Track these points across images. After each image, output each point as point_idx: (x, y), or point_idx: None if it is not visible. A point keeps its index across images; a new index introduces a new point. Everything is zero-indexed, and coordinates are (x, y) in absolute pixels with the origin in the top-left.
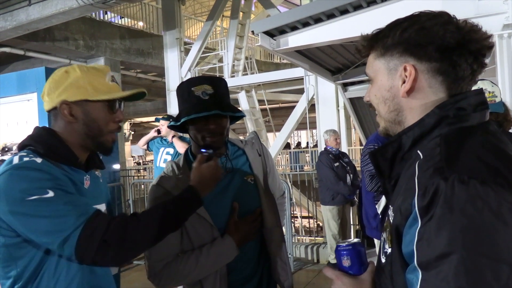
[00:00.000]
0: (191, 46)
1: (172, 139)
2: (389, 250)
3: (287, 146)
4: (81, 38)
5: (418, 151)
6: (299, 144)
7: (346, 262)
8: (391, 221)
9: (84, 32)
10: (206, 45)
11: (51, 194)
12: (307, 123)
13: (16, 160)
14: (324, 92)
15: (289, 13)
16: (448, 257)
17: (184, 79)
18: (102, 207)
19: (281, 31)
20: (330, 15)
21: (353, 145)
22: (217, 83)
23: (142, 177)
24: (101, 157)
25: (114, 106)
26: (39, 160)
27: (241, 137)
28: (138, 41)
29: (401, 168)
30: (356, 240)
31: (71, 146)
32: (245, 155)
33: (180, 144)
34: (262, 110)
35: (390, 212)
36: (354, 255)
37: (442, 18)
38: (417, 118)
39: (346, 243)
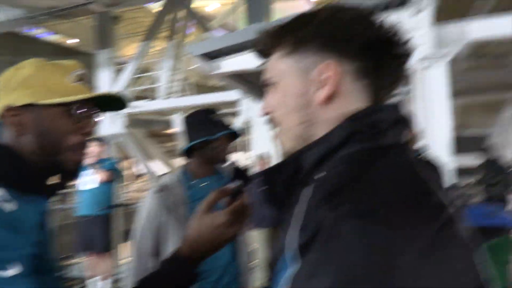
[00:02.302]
0: (125, 66)
1: (90, 166)
2: None
3: None
4: (7, 53)
5: (321, 173)
6: None
7: None
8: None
9: (7, 48)
10: (141, 66)
11: (11, 272)
12: (244, 145)
13: None
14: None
15: (226, 37)
16: None
17: None
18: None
19: (218, 54)
20: None
21: None
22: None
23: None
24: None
25: (79, 114)
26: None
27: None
28: (69, 59)
29: (300, 194)
30: None
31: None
32: (222, 177)
33: (99, 172)
34: None
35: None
36: None
37: (361, 12)
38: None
39: None
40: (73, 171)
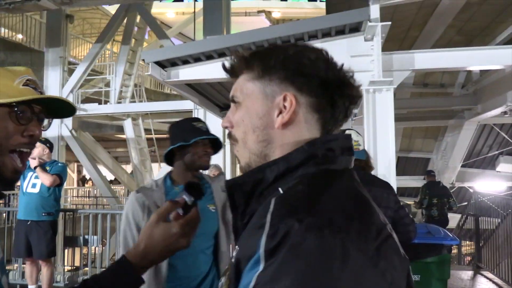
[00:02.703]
0: (75, 67)
1: (35, 169)
2: None
3: None
4: None
5: (279, 188)
6: None
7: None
8: (233, 262)
9: None
10: (93, 68)
11: None
12: None
13: None
14: (212, 127)
15: (182, 47)
16: None
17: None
18: None
19: (173, 63)
20: (221, 54)
21: None
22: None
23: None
24: None
25: (25, 116)
26: None
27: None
28: (15, 55)
29: (259, 204)
30: None
31: None
32: (211, 188)
33: (44, 176)
34: (148, 139)
35: (235, 253)
36: None
37: (324, 54)
38: (286, 152)
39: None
40: (11, 179)
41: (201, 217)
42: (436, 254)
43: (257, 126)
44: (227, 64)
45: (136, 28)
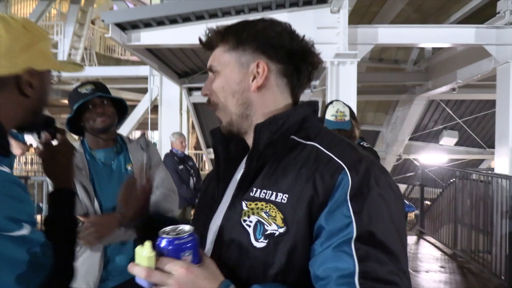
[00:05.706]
0: None
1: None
2: (281, 230)
3: None
4: None
5: (292, 136)
6: None
7: (188, 258)
8: (278, 200)
9: None
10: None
11: (25, 231)
12: (149, 123)
13: None
14: (169, 94)
15: (145, 8)
16: None
17: None
18: None
19: (134, 25)
20: (186, 19)
21: (189, 149)
22: (98, 84)
23: None
24: None
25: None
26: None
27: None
28: None
29: (272, 149)
30: (186, 226)
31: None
32: (127, 148)
33: (14, 144)
34: None
35: (262, 193)
36: (196, 245)
37: (288, 28)
38: (267, 112)
39: (182, 233)
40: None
41: (120, 177)
42: None
43: (236, 91)
44: (203, 38)
45: None
